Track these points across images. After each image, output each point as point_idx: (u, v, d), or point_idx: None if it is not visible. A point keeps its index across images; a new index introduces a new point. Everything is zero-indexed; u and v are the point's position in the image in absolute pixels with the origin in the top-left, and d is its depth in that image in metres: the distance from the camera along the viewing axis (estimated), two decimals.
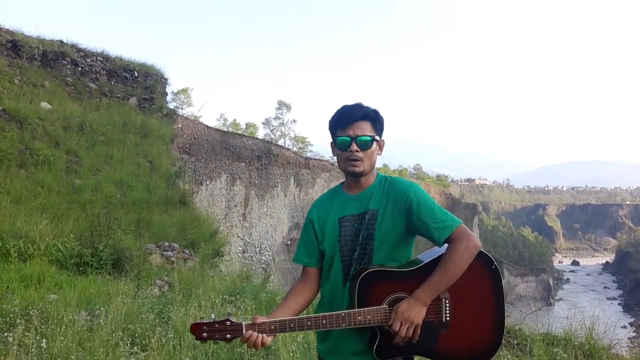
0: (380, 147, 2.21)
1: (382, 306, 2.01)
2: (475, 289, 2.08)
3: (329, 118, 2.23)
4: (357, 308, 2.02)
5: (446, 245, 2.05)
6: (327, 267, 2.21)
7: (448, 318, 2.04)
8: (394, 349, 2.03)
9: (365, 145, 2.12)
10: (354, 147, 2.11)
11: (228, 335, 1.99)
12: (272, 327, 2.00)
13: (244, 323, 2.00)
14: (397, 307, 1.98)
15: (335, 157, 2.27)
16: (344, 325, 2.00)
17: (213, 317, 2.02)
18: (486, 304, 2.10)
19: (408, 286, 2.03)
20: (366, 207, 2.15)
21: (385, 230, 2.11)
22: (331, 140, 2.24)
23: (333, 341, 2.17)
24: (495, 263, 2.10)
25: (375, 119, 2.17)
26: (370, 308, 2.01)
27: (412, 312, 1.96)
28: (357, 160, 2.12)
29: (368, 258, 2.11)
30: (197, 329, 2.00)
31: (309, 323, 2.01)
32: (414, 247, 2.23)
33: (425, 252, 2.18)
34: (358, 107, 2.17)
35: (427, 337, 2.03)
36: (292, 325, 2.01)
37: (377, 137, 2.17)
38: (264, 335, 2.00)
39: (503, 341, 5.29)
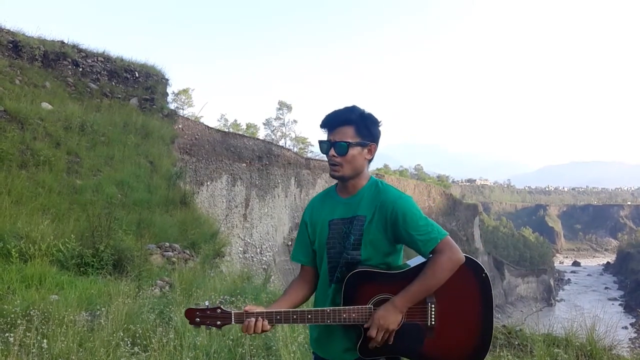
0: (370, 151, 2.20)
1: (367, 306, 2.06)
2: (462, 296, 2.11)
3: None
4: (343, 306, 2.08)
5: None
6: (319, 267, 2.28)
7: (433, 322, 2.07)
8: (378, 349, 2.08)
9: (341, 151, 2.12)
10: (332, 152, 2.14)
11: (218, 322, 2.12)
12: (260, 318, 2.08)
13: (233, 312, 2.11)
14: (374, 313, 2.03)
15: None
16: (328, 321, 2.07)
17: (206, 304, 2.14)
18: (473, 311, 2.11)
19: (394, 288, 2.06)
20: (354, 212, 2.17)
21: (374, 238, 2.13)
22: None
23: (320, 335, 2.24)
24: (486, 272, 2.12)
25: (359, 123, 2.15)
26: (355, 307, 2.06)
27: (389, 320, 2.01)
28: (335, 165, 2.15)
29: (356, 263, 2.14)
30: (191, 314, 2.14)
31: (294, 316, 2.10)
32: (403, 253, 2.28)
33: (415, 258, 2.20)
34: (342, 112, 2.18)
35: (412, 339, 2.07)
36: (278, 317, 2.10)
37: (363, 142, 2.16)
38: (264, 322, 2.08)
39: (504, 341, 5.30)
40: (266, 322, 2.08)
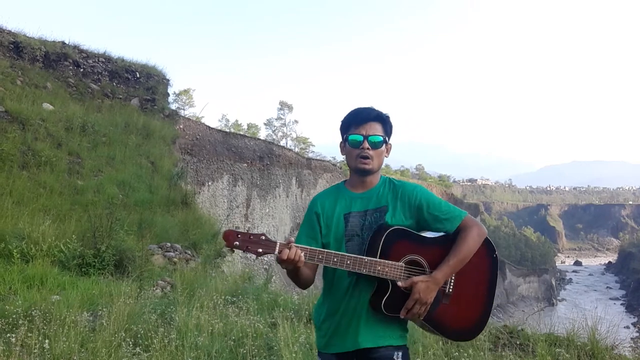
0: (388, 151, 2.33)
1: (399, 263, 2.16)
2: (477, 271, 2.26)
3: (342, 118, 2.34)
4: (379, 258, 2.14)
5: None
6: None
7: (451, 290, 2.21)
8: (400, 306, 2.15)
9: (376, 145, 2.24)
10: (366, 144, 2.23)
11: (260, 250, 2.08)
12: (304, 253, 2.09)
13: (278, 241, 2.09)
14: (416, 287, 2.10)
15: (344, 156, 2.37)
16: (364, 270, 2.12)
17: (249, 230, 2.09)
18: (482, 286, 2.28)
19: (424, 251, 2.20)
20: (375, 204, 2.27)
21: (395, 225, 2.22)
22: (341, 140, 2.34)
23: (339, 329, 2.25)
24: (497, 252, 2.30)
25: (386, 122, 2.30)
26: (390, 262, 2.14)
27: (429, 294, 2.12)
28: (367, 158, 2.23)
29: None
30: (230, 236, 2.07)
31: (335, 259, 2.12)
32: None
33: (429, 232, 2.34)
34: (371, 109, 2.30)
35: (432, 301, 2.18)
36: (320, 256, 2.12)
37: (388, 140, 2.30)
38: (301, 254, 2.09)
39: (506, 341, 5.29)
40: (303, 257, 2.08)
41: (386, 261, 2.13)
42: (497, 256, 2.29)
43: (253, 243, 2.08)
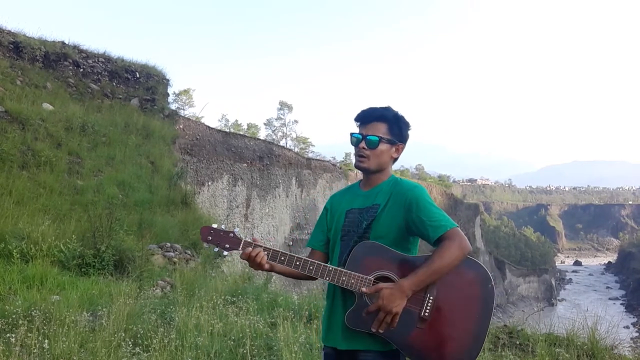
0: (398, 150, 2.34)
1: (368, 277, 2.10)
2: (463, 300, 2.10)
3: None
4: (345, 269, 2.13)
5: None
6: (331, 253, 2.37)
7: (427, 314, 2.05)
8: (364, 323, 2.08)
9: (372, 144, 2.24)
10: (363, 144, 2.26)
11: (227, 245, 2.18)
12: (265, 253, 2.17)
13: (244, 239, 2.16)
14: (381, 293, 2.04)
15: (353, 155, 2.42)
16: (327, 278, 2.14)
17: (223, 227, 2.20)
18: (469, 319, 2.09)
19: (398, 268, 2.11)
20: (372, 202, 2.27)
21: (383, 223, 2.21)
22: None
23: (331, 325, 2.26)
24: (492, 283, 2.12)
25: (392, 122, 2.28)
26: (357, 274, 2.11)
27: (393, 302, 2.02)
28: (363, 156, 2.27)
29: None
30: (205, 231, 2.22)
31: (297, 263, 2.18)
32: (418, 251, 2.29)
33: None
34: (378, 108, 2.31)
35: (403, 324, 2.05)
36: (282, 258, 2.19)
37: (393, 140, 2.28)
38: (264, 257, 2.15)
39: (506, 341, 5.29)
40: (265, 258, 2.15)
41: (352, 272, 2.10)
42: (492, 287, 2.11)
43: (222, 239, 2.18)
